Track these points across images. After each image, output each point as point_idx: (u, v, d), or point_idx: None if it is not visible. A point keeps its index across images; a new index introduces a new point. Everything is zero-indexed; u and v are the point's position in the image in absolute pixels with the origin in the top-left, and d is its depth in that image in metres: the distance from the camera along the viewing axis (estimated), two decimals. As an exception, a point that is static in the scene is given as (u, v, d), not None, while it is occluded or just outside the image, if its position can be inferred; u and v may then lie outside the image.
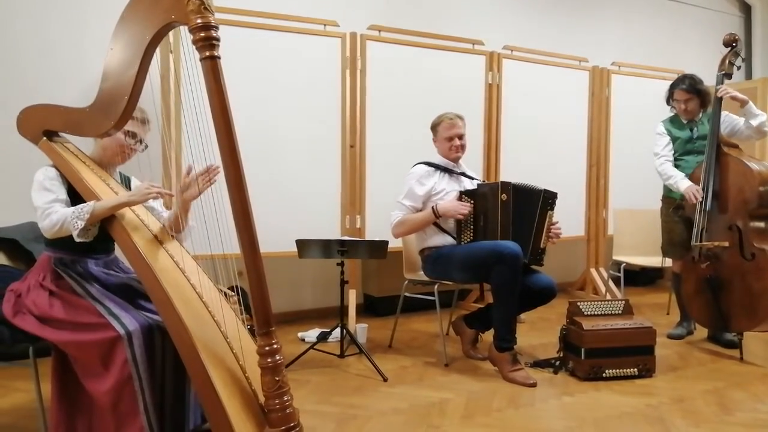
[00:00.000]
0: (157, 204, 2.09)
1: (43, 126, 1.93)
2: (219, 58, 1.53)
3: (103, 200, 1.81)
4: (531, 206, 2.85)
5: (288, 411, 1.59)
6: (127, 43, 1.67)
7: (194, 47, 1.53)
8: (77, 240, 1.79)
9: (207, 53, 1.52)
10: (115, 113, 1.73)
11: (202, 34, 1.51)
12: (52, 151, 1.92)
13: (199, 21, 1.51)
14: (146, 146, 2.04)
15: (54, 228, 1.79)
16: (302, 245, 2.82)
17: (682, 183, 3.18)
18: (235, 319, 1.84)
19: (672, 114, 3.43)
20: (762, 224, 2.96)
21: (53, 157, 1.92)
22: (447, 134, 3.02)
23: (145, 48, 1.65)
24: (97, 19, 3.10)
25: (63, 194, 1.87)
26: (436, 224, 2.96)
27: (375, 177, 3.67)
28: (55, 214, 1.80)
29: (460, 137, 3.02)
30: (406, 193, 3.00)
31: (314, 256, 2.89)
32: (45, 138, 1.93)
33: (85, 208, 1.78)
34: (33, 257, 2.06)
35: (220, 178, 1.59)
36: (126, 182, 2.13)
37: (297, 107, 3.47)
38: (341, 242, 2.83)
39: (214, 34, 1.52)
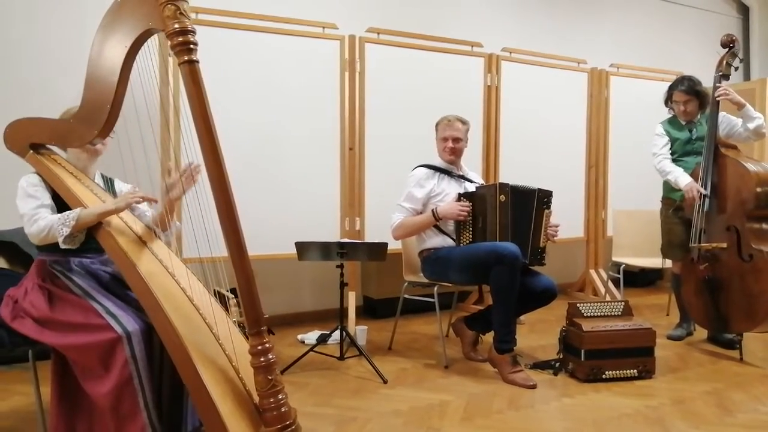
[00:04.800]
0: (141, 209, 2.11)
1: (30, 139, 1.94)
2: (197, 62, 1.54)
3: (90, 208, 1.83)
4: (527, 206, 2.86)
5: (283, 410, 1.60)
6: (108, 51, 1.69)
7: (172, 52, 1.54)
8: (62, 246, 1.82)
9: (185, 57, 1.53)
10: (99, 122, 1.75)
11: (180, 39, 1.52)
12: (39, 163, 1.94)
13: (176, 26, 1.52)
14: (114, 132, 2.04)
15: (41, 234, 1.81)
16: (302, 247, 2.82)
17: (682, 179, 3.18)
18: (227, 321, 1.84)
19: (671, 115, 3.43)
20: (759, 225, 2.96)
21: (40, 170, 1.94)
22: (441, 134, 3.06)
23: (125, 56, 1.66)
24: (95, 22, 3.11)
25: (47, 200, 1.89)
26: (436, 225, 2.97)
27: (374, 179, 3.67)
28: (42, 220, 1.82)
29: (455, 140, 3.02)
30: (406, 196, 3.01)
31: (314, 259, 2.90)
32: (32, 151, 1.95)
33: (71, 215, 1.80)
34: (32, 260, 2.06)
35: (206, 180, 1.59)
36: (109, 184, 2.15)
37: (296, 109, 3.48)
38: (341, 244, 2.84)
39: (191, 39, 1.53)
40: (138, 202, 1.92)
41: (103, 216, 1.84)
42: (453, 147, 3.03)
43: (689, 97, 3.26)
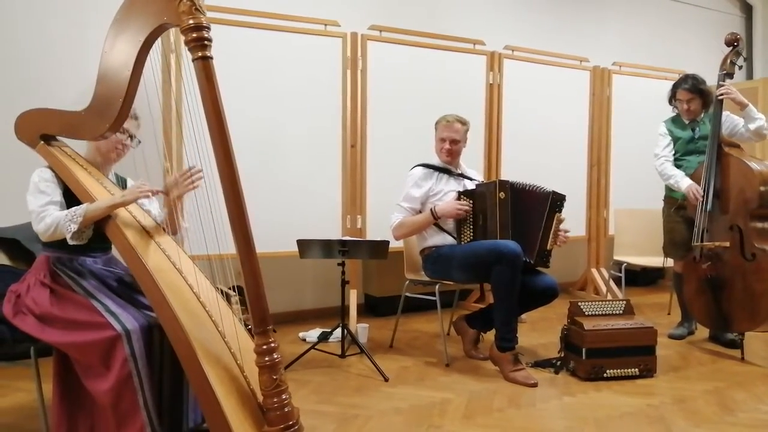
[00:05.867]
0: (153, 207, 2.10)
1: (40, 130, 1.94)
2: (211, 58, 1.54)
3: (96, 202, 1.82)
4: (538, 207, 2.83)
5: (286, 409, 1.59)
6: (121, 46, 1.68)
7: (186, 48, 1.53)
8: (71, 243, 1.81)
9: (199, 53, 1.52)
10: (111, 116, 1.74)
11: (194, 35, 1.52)
12: (49, 155, 1.93)
13: (191, 22, 1.51)
14: (139, 142, 2.04)
15: (48, 231, 1.80)
16: (303, 245, 2.83)
17: (683, 182, 3.18)
18: (233, 319, 1.84)
19: (674, 114, 3.43)
20: (763, 224, 2.96)
21: (51, 161, 1.93)
22: (440, 135, 3.05)
23: (138, 50, 1.66)
24: (98, 20, 3.10)
25: (58, 196, 1.88)
26: (436, 224, 2.97)
27: (376, 177, 3.67)
28: (48, 217, 1.81)
29: (452, 141, 3.00)
30: (404, 196, 3.01)
31: (315, 256, 2.89)
32: (42, 142, 1.95)
33: (78, 211, 1.79)
34: (34, 257, 2.06)
35: (215, 177, 1.59)
36: (122, 183, 2.14)
37: (298, 107, 3.47)
38: (342, 242, 2.84)
39: (206, 35, 1.53)
40: (146, 196, 1.90)
41: (111, 209, 1.83)
42: (450, 149, 3.01)
43: (692, 96, 3.25)
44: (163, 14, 1.59)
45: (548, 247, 2.85)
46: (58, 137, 1.99)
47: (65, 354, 1.81)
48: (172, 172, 2.03)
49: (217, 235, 1.73)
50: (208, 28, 1.53)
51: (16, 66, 3.08)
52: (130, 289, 1.94)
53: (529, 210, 2.85)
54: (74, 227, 1.78)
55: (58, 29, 3.16)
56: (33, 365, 1.94)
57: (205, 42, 1.53)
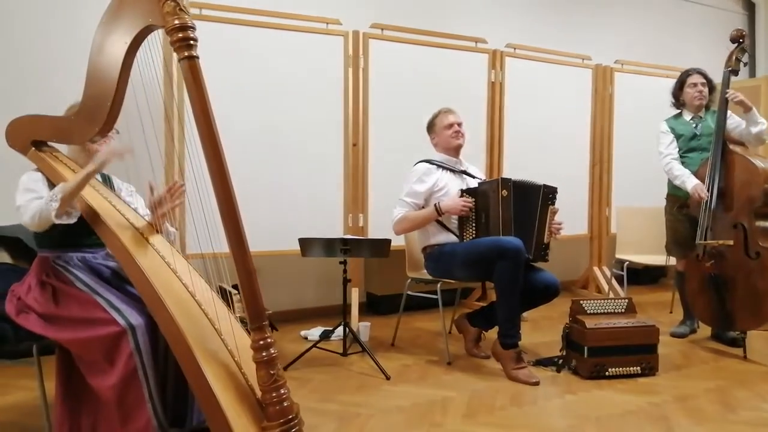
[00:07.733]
0: (140, 204, 2.11)
1: (31, 137, 1.95)
2: (197, 57, 1.54)
3: (69, 179, 1.81)
4: (532, 202, 2.86)
5: (285, 404, 1.60)
6: (108, 48, 1.69)
7: (172, 48, 1.54)
8: (57, 222, 1.78)
9: (185, 53, 1.53)
10: (100, 119, 1.74)
11: (180, 35, 1.52)
12: (41, 160, 1.94)
13: (176, 22, 1.52)
14: (117, 132, 2.03)
15: (34, 219, 1.79)
16: (305, 244, 2.83)
17: (689, 181, 3.17)
18: (229, 316, 1.85)
19: (675, 112, 3.42)
20: (767, 223, 2.95)
21: (42, 166, 1.94)
22: (445, 122, 3.06)
23: (125, 53, 1.66)
24: (96, 21, 3.11)
25: (44, 193, 1.88)
26: (438, 222, 2.97)
27: (377, 175, 3.67)
28: (31, 208, 1.81)
29: (459, 124, 3.06)
30: (408, 191, 3.00)
31: (317, 255, 2.89)
32: (33, 148, 1.95)
33: (55, 190, 1.79)
34: (36, 256, 2.07)
35: (206, 177, 1.59)
36: (109, 182, 2.16)
37: (300, 106, 3.47)
38: (344, 241, 2.84)
39: (191, 34, 1.53)
40: (118, 156, 1.85)
41: (86, 179, 1.82)
42: (460, 130, 3.06)
43: (705, 81, 3.27)
44: (148, 16, 1.59)
45: (545, 241, 2.86)
46: (49, 143, 2.00)
47: (68, 352, 1.82)
48: (171, 179, 2.03)
49: (210, 233, 1.73)
50: (194, 28, 1.54)
51: (14, 67, 3.08)
52: (129, 283, 1.94)
53: (526, 205, 2.86)
54: (55, 204, 1.76)
55: (56, 30, 3.15)
56: (35, 363, 1.94)
57: (191, 42, 1.53)
